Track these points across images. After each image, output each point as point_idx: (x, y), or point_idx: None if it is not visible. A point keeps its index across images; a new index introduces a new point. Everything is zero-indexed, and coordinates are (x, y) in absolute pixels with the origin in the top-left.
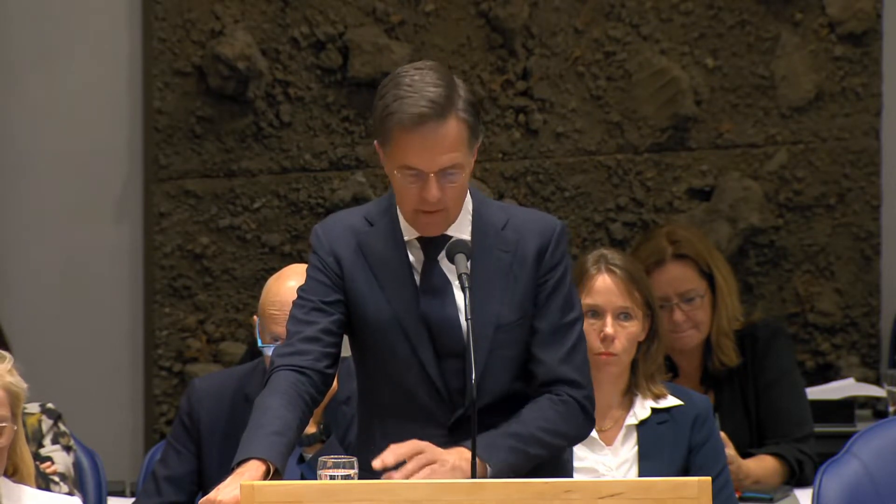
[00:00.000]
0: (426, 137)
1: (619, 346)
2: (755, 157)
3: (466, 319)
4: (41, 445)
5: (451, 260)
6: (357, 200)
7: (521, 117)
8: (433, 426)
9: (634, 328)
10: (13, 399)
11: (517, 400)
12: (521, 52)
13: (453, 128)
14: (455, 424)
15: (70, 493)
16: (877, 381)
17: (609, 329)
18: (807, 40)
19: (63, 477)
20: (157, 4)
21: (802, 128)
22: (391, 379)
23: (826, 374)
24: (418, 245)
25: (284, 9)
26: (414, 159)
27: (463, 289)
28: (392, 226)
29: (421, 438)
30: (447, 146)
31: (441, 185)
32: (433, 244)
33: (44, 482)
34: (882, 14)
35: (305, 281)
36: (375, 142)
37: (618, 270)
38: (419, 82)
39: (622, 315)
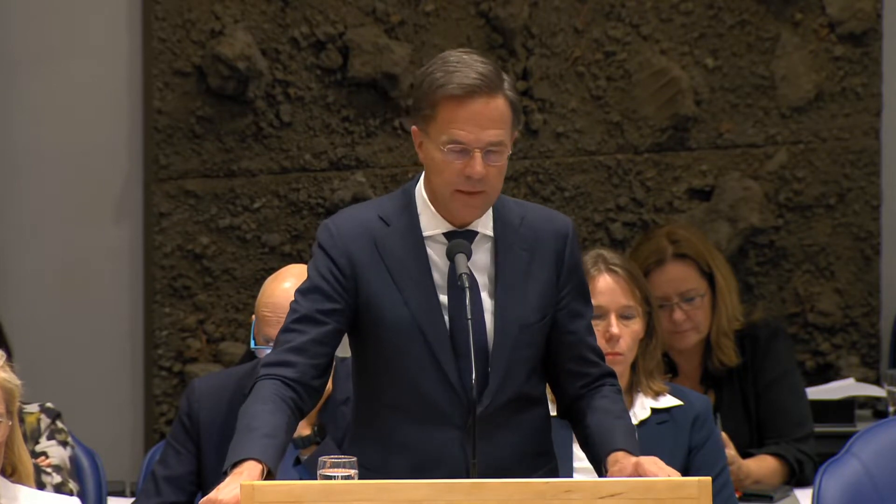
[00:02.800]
0: (475, 110)
1: (624, 345)
2: (755, 157)
3: (467, 319)
4: (37, 443)
5: (451, 259)
6: (357, 200)
7: (521, 117)
8: (448, 427)
9: (637, 327)
10: (7, 396)
11: (527, 400)
12: (521, 52)
13: (501, 104)
14: (472, 425)
15: (63, 484)
16: (877, 381)
17: (615, 329)
18: (807, 40)
19: (57, 469)
20: (157, 4)
21: (802, 128)
22: (406, 380)
23: (826, 374)
24: (444, 240)
25: (284, 9)
26: (461, 132)
27: (462, 289)
28: (411, 225)
29: (436, 440)
30: (495, 121)
31: (484, 163)
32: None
33: (36, 474)
34: (882, 14)
35: (305, 283)
36: (414, 127)
37: (619, 270)
38: (467, 59)
39: (625, 314)
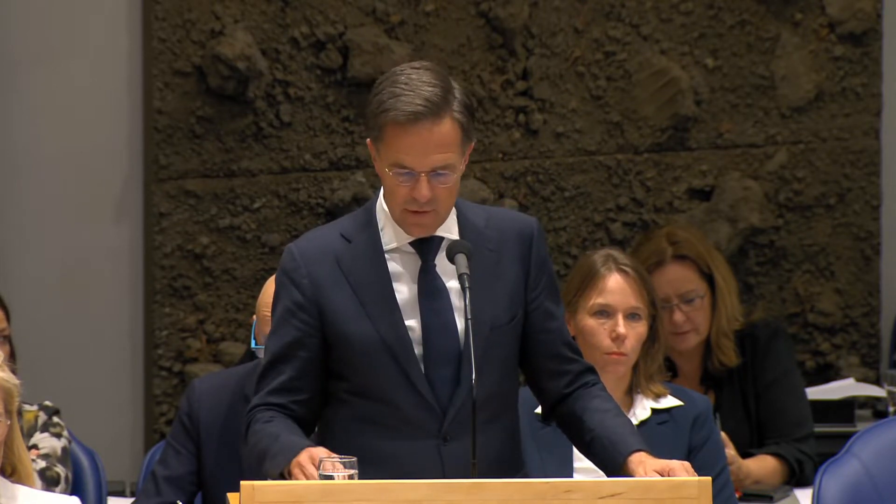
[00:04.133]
0: (420, 136)
1: (629, 346)
2: (755, 157)
3: (467, 319)
4: (32, 438)
5: (452, 260)
6: (357, 200)
7: (521, 117)
8: (424, 437)
9: (643, 328)
10: (6, 395)
11: (500, 404)
12: (521, 52)
13: (447, 128)
14: (447, 432)
15: (47, 469)
16: (877, 381)
17: (622, 329)
18: (807, 40)
19: (45, 457)
20: (157, 4)
21: (802, 128)
22: (375, 394)
23: (826, 374)
24: (412, 250)
25: (284, 9)
26: (406, 157)
27: (463, 289)
28: (371, 240)
29: (413, 452)
30: (440, 146)
31: (432, 185)
32: (428, 247)
33: None
34: (882, 14)
35: (273, 320)
36: (368, 140)
37: (630, 270)
38: (416, 81)
39: (632, 315)
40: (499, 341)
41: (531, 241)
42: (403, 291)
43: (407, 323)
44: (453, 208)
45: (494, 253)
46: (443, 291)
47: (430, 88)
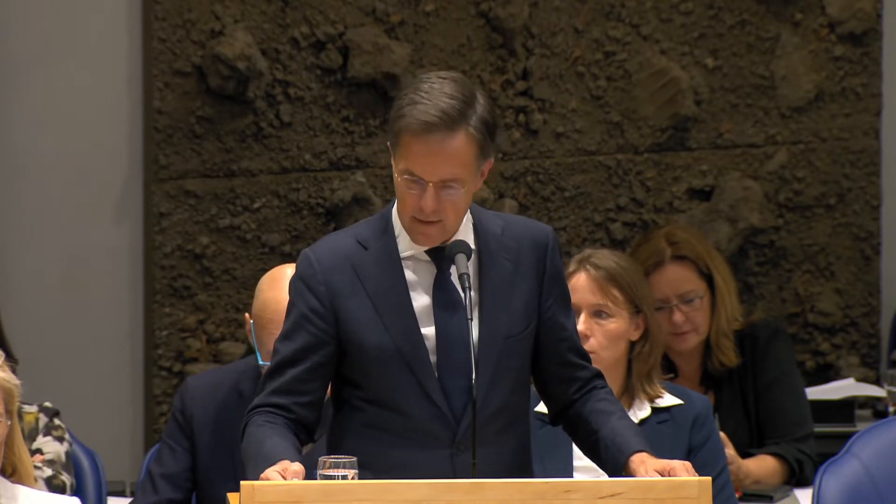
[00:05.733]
0: (430, 146)
1: (594, 343)
2: (755, 157)
3: (468, 319)
4: (34, 441)
5: (452, 260)
6: (357, 200)
7: (521, 117)
8: (437, 446)
9: (614, 326)
10: (6, 395)
11: (512, 414)
12: (521, 52)
13: (460, 142)
14: (460, 442)
15: (53, 476)
16: (877, 381)
17: (581, 326)
18: (807, 40)
19: (50, 463)
20: (157, 4)
21: (802, 128)
22: (389, 403)
23: (826, 374)
24: (428, 258)
25: (284, 9)
26: (415, 165)
27: (463, 289)
28: (388, 247)
29: (426, 461)
30: (451, 159)
31: (438, 197)
32: (443, 256)
33: None
34: (882, 14)
35: (285, 325)
36: (388, 142)
37: (593, 269)
38: (436, 91)
39: (598, 313)
40: (513, 351)
41: (546, 250)
42: (419, 300)
43: (422, 331)
44: (470, 216)
45: (511, 262)
46: (458, 301)
47: (448, 100)
